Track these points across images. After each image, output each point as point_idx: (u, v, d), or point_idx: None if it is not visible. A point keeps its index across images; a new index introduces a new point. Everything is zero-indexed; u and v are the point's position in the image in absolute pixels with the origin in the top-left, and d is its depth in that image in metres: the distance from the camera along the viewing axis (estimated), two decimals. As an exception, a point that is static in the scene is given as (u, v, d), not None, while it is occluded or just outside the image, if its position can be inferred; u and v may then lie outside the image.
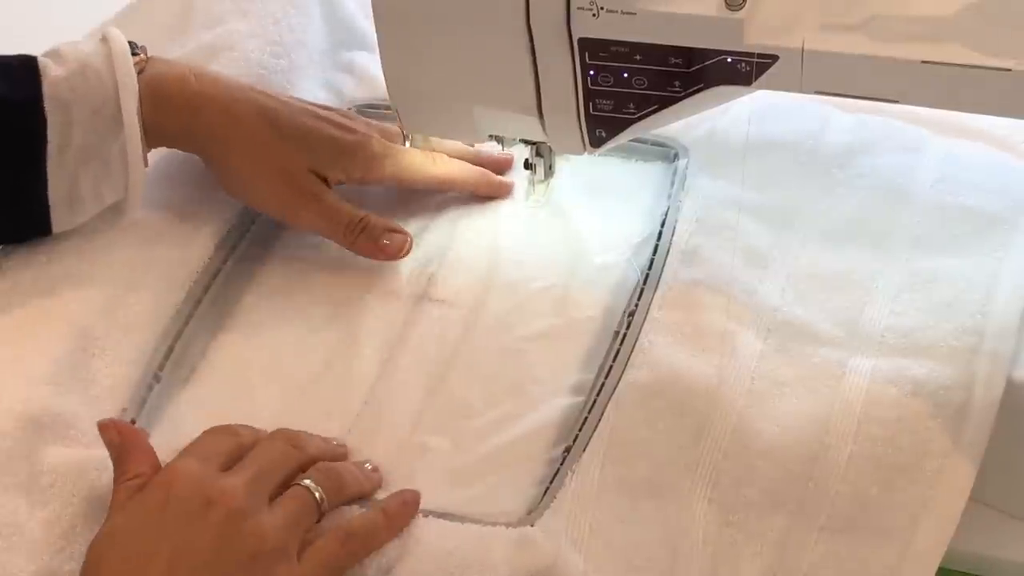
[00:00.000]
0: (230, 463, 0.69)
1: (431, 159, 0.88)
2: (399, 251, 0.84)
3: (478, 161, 0.90)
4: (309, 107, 0.86)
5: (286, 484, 0.69)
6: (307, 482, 0.69)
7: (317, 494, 0.69)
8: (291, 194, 0.84)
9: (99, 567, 0.65)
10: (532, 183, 0.87)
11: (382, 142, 0.86)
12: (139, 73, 0.81)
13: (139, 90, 0.81)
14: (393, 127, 0.88)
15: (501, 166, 0.90)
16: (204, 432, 0.71)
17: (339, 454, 0.74)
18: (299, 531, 0.67)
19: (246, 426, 0.72)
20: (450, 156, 0.89)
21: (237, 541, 0.65)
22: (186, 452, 0.69)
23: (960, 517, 0.70)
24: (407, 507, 0.70)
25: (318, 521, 0.69)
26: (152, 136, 0.82)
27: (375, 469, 0.73)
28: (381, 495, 0.72)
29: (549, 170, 0.86)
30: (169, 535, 0.65)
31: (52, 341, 0.77)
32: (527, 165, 0.86)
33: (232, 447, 0.70)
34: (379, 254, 0.84)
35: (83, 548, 0.69)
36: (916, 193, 0.84)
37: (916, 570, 0.69)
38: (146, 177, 0.83)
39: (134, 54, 0.82)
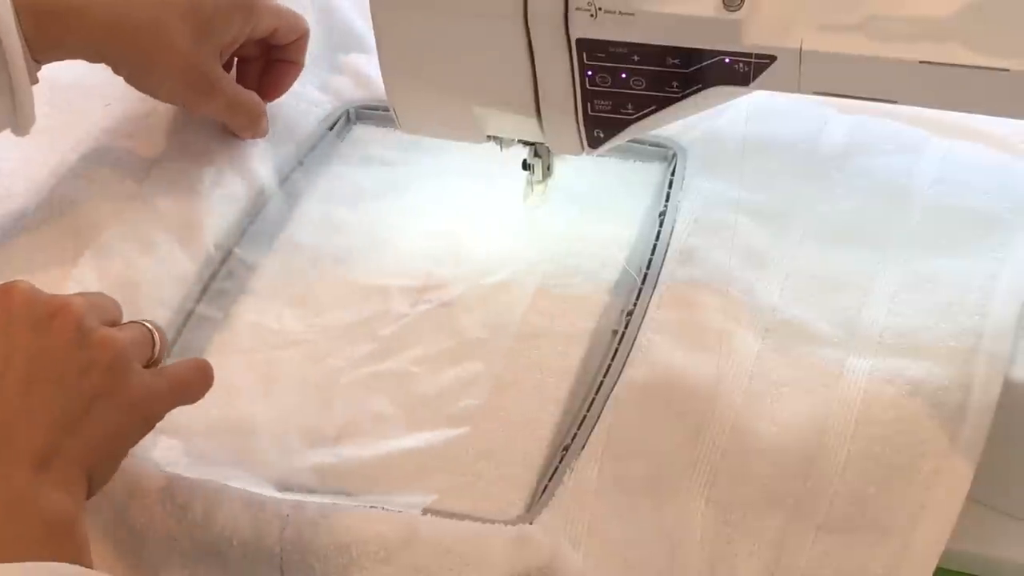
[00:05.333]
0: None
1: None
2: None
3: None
4: None
5: (114, 325, 0.67)
6: (142, 320, 0.69)
7: (154, 332, 0.68)
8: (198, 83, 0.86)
9: None
10: (530, 184, 0.87)
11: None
12: None
13: (12, 3, 0.78)
14: None
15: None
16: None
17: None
18: (143, 352, 0.67)
19: None
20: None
21: (90, 349, 0.63)
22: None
23: (958, 517, 0.70)
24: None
25: (149, 364, 0.68)
26: (39, 49, 0.80)
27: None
28: (381, 496, 0.73)
29: (547, 171, 0.86)
30: (19, 346, 0.63)
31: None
32: (525, 166, 0.86)
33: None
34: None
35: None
36: (915, 193, 0.84)
37: (914, 570, 0.69)
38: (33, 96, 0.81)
39: None
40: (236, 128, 0.90)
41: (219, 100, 0.87)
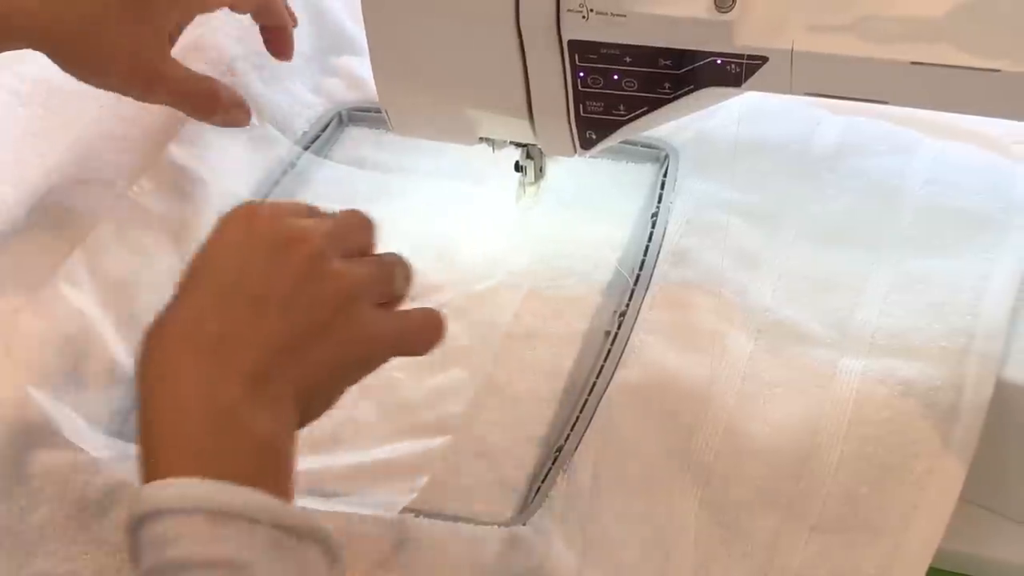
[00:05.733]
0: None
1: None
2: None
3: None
4: None
5: (361, 254, 0.65)
6: (389, 252, 0.66)
7: (397, 266, 0.66)
8: (143, 74, 0.82)
9: (184, 301, 0.62)
10: (523, 185, 0.87)
11: None
12: None
13: None
14: None
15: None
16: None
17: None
18: (378, 289, 0.64)
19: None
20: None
21: (321, 281, 0.62)
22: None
23: (950, 517, 0.70)
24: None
25: (388, 304, 0.65)
26: None
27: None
28: (369, 494, 0.72)
29: (539, 172, 0.86)
30: (256, 267, 0.62)
31: (44, 341, 0.77)
32: (517, 167, 0.86)
33: (303, 209, 0.66)
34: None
35: (75, 551, 0.69)
36: (906, 194, 0.84)
37: (906, 570, 0.70)
38: None
39: None
40: (196, 117, 0.85)
41: (164, 89, 0.82)
